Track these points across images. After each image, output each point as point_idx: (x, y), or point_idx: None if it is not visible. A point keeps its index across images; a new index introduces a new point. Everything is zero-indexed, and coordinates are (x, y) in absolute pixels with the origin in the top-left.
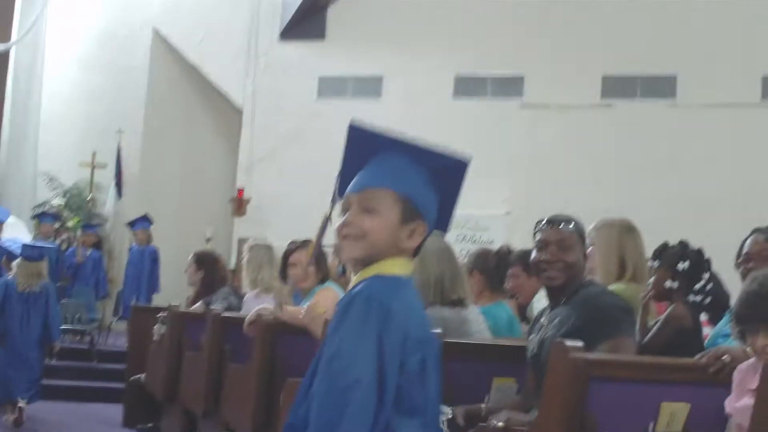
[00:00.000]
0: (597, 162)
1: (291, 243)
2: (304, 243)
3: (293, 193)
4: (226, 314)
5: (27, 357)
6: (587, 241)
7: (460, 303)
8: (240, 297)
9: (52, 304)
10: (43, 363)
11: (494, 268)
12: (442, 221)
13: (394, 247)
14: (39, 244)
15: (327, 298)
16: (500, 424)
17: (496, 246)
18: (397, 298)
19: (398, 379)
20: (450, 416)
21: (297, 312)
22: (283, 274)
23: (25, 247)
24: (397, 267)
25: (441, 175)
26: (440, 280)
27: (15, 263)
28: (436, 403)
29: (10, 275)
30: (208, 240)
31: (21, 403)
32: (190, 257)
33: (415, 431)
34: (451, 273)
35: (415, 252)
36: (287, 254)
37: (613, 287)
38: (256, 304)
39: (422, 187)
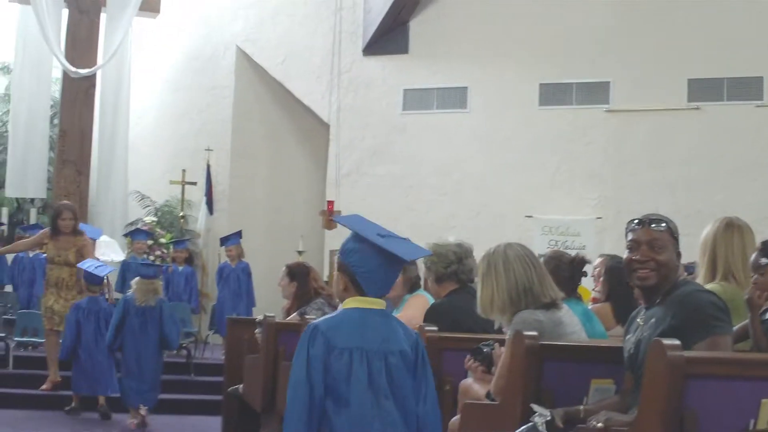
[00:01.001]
0: (686, 165)
1: None
2: None
3: (381, 206)
4: None
5: (145, 368)
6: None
7: (553, 305)
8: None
9: (167, 316)
10: (160, 374)
11: (567, 276)
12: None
13: (340, 294)
14: (149, 262)
15: (418, 304)
16: (599, 424)
17: (587, 251)
18: (329, 322)
19: (326, 378)
20: (549, 418)
21: None
22: None
23: (141, 266)
24: (348, 304)
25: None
26: (529, 285)
27: (134, 281)
28: (366, 395)
29: (129, 292)
30: (300, 253)
31: (142, 410)
32: (282, 270)
33: (344, 419)
34: (539, 276)
35: (359, 290)
36: None
37: (709, 287)
38: None
39: (348, 254)
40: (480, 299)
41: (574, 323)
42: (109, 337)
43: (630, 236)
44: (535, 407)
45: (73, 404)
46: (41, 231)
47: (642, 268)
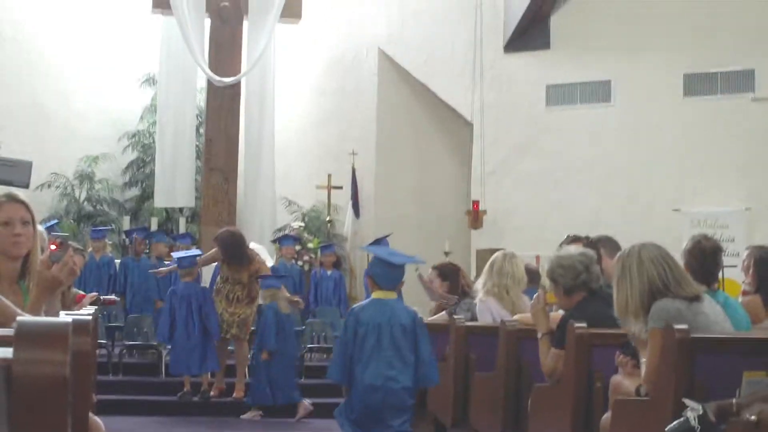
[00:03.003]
0: None
1: (567, 237)
2: (576, 239)
3: (527, 203)
4: (470, 324)
5: (288, 370)
6: None
7: (696, 299)
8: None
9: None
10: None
11: (700, 267)
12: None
13: (370, 289)
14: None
15: None
16: (753, 417)
17: (737, 243)
18: (361, 306)
19: (354, 339)
20: (701, 412)
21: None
22: None
23: (264, 280)
24: (374, 295)
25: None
26: (664, 289)
27: (269, 293)
28: (373, 352)
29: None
30: (446, 253)
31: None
32: (430, 271)
33: (362, 362)
34: (675, 277)
35: (379, 287)
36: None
37: None
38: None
39: (371, 266)
40: (615, 302)
41: (716, 313)
42: (267, 342)
43: None
44: (687, 401)
45: (184, 389)
46: (214, 250)
47: None
